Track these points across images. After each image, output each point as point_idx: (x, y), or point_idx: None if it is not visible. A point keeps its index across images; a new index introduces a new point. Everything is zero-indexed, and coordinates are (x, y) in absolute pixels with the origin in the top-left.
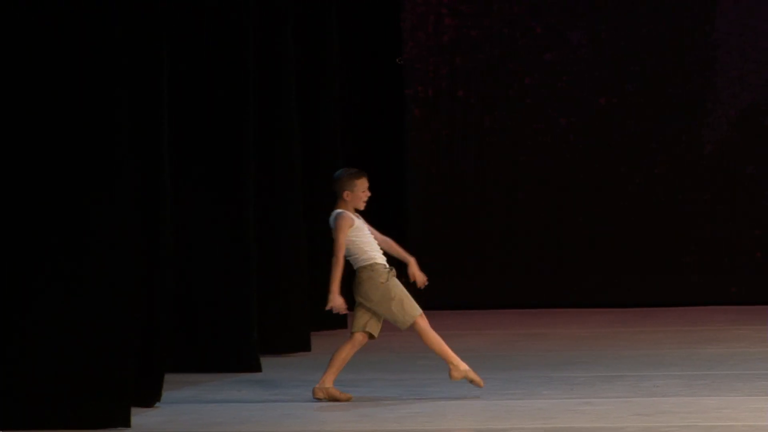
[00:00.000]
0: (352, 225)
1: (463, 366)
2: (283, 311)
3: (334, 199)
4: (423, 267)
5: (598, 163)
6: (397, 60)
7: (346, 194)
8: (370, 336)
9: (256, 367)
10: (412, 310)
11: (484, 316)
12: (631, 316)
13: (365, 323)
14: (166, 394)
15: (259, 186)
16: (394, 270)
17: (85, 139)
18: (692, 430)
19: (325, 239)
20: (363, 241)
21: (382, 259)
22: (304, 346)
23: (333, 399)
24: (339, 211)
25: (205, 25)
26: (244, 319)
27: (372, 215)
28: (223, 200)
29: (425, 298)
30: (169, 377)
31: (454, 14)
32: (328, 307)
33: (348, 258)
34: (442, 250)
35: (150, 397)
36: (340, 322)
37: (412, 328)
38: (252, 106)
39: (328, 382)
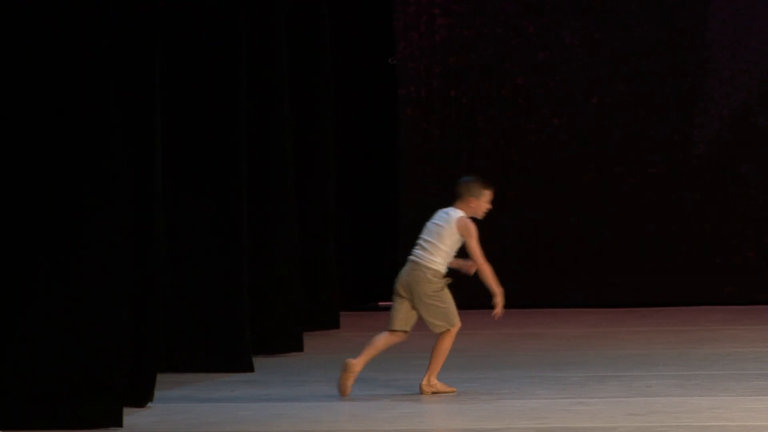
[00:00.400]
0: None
1: (434, 384)
2: (276, 312)
3: (324, 198)
4: None
5: (591, 163)
6: (390, 60)
7: (471, 200)
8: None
9: (249, 368)
10: (453, 319)
11: (477, 315)
12: (624, 316)
13: (406, 321)
14: (158, 394)
15: (253, 186)
16: (449, 280)
17: (79, 141)
18: (685, 430)
19: (318, 239)
20: (451, 251)
21: (445, 270)
22: (297, 347)
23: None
24: (461, 214)
25: (198, 26)
26: (237, 319)
27: (365, 214)
28: (216, 201)
29: None
30: (161, 377)
31: (446, 14)
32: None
33: (426, 250)
34: None
35: (142, 397)
36: (332, 323)
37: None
38: (244, 106)
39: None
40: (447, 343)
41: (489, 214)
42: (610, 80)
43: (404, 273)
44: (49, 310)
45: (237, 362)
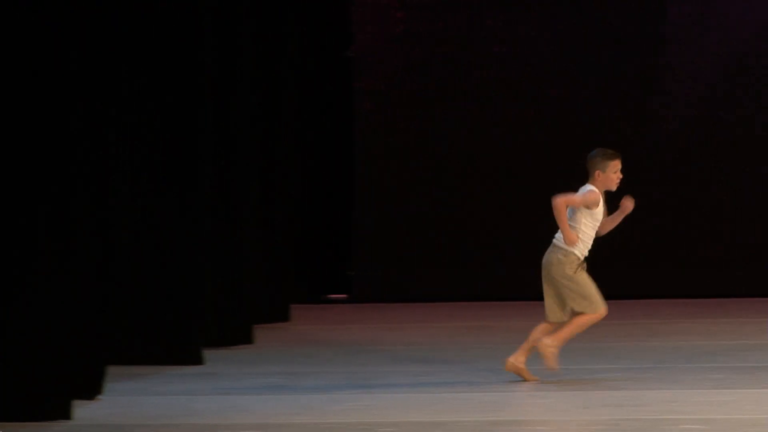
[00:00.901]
0: (591, 207)
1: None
2: (226, 304)
3: (283, 193)
4: (373, 259)
5: (550, 156)
6: (346, 52)
7: (597, 173)
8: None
9: (199, 360)
10: (595, 302)
11: (434, 308)
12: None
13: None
14: (108, 387)
15: (213, 179)
16: (585, 264)
17: (39, 141)
18: (639, 423)
19: (270, 233)
20: (584, 231)
21: (582, 253)
22: (247, 340)
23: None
24: (592, 187)
25: (160, 18)
26: (187, 312)
27: (317, 208)
28: (172, 197)
29: (377, 291)
30: (111, 370)
31: (404, 7)
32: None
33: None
34: (392, 242)
35: (92, 390)
36: (282, 316)
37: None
38: (209, 99)
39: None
40: (581, 321)
41: (448, 207)
42: (571, 73)
43: (544, 256)
44: None
45: (187, 355)
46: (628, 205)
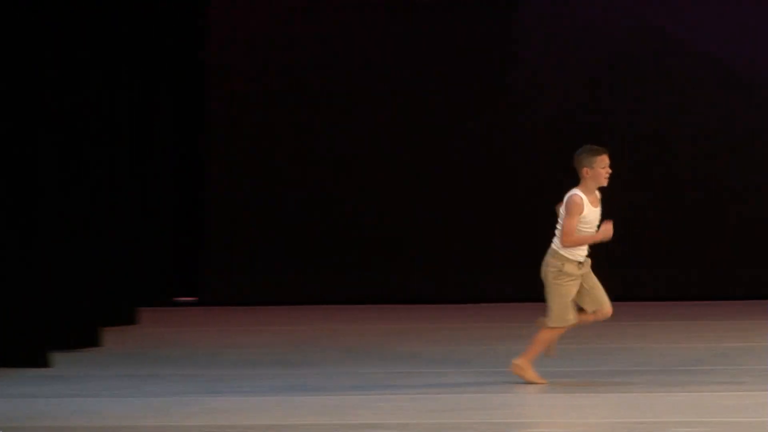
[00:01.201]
0: (581, 212)
1: (528, 370)
2: (72, 307)
3: (136, 194)
4: (222, 262)
5: (396, 160)
6: (198, 55)
7: (585, 171)
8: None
9: (45, 363)
10: (560, 319)
11: (284, 312)
12: (430, 313)
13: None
14: None
15: (57, 182)
16: (583, 266)
17: None
18: (484, 427)
19: (122, 235)
20: (579, 236)
21: (573, 256)
22: (94, 342)
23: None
24: (572, 192)
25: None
26: (33, 314)
27: (166, 210)
28: (13, 197)
29: (226, 294)
30: None
31: (260, 9)
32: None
33: (556, 235)
34: (242, 245)
35: None
36: (130, 319)
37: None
38: (52, 102)
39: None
40: (543, 337)
41: (301, 210)
42: (416, 77)
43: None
44: None
45: (33, 357)
46: (608, 231)
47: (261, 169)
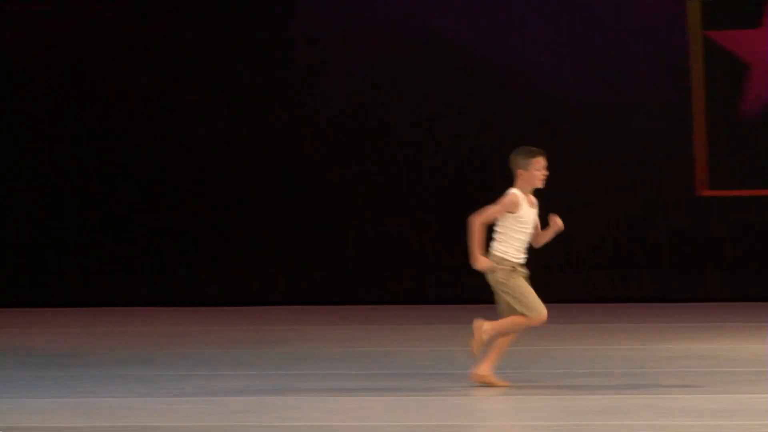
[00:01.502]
0: (513, 211)
1: (486, 372)
2: None
3: None
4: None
5: (166, 160)
6: None
7: (519, 172)
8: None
9: None
10: (536, 307)
11: (55, 314)
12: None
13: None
14: None
15: None
16: (525, 271)
17: None
18: (256, 429)
19: None
20: (512, 235)
21: (515, 258)
22: None
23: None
24: (512, 190)
25: None
26: None
27: None
28: None
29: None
30: None
31: (38, 10)
32: (478, 268)
33: (494, 239)
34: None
35: None
36: None
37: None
38: None
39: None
40: (518, 320)
41: (78, 210)
42: (200, 78)
43: None
44: None
45: None
46: (557, 222)
47: (37, 170)
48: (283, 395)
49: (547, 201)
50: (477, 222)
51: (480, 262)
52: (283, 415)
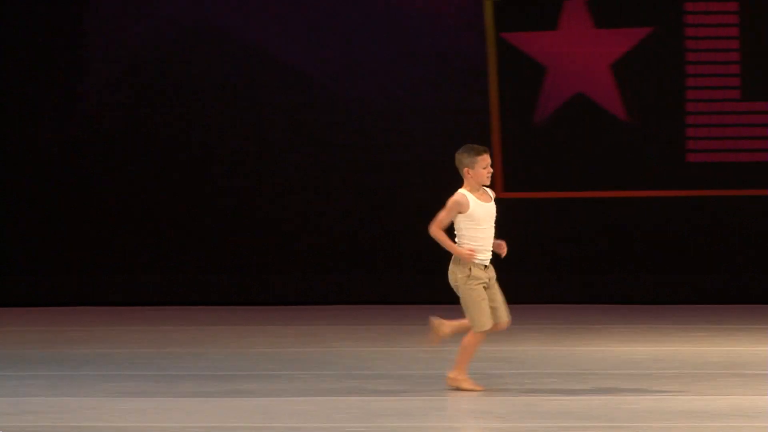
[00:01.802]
0: (462, 211)
1: (464, 380)
2: None
3: None
4: None
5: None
6: None
7: (466, 171)
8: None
9: None
10: (478, 319)
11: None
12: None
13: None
14: None
15: None
16: (490, 271)
17: None
18: (57, 430)
19: None
20: (470, 236)
21: (478, 260)
22: None
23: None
24: (460, 191)
25: None
26: None
27: None
28: None
29: None
30: None
31: None
32: (469, 258)
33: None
34: None
35: None
36: None
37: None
38: None
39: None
40: (470, 340)
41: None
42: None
43: None
44: None
45: None
46: (501, 249)
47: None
48: (75, 396)
49: (330, 206)
50: (434, 229)
51: (461, 254)
52: (76, 417)
